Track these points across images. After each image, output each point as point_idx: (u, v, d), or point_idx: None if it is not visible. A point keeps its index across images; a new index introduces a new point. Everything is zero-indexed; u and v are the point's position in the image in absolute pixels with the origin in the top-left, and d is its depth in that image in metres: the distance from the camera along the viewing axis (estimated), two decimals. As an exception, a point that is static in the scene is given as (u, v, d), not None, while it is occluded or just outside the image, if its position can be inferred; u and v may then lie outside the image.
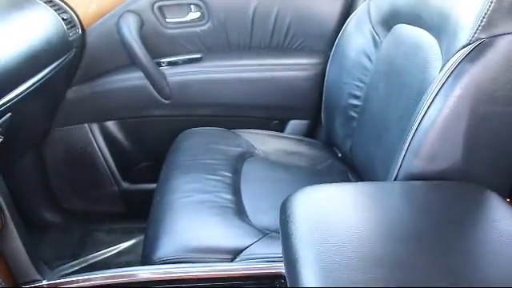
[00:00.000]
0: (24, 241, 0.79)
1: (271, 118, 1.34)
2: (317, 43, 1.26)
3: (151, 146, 1.37)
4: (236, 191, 0.99)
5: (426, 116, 0.70)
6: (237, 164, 1.09)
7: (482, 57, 0.67)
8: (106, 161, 1.37)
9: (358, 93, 1.09)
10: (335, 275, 0.47)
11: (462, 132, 0.69)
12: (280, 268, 0.73)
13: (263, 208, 0.94)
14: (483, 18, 0.67)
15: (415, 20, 0.91)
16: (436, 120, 0.69)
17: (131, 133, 1.37)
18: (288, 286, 0.52)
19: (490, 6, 0.66)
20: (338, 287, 0.45)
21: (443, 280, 0.48)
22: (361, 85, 1.08)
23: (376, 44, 1.06)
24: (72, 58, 1.19)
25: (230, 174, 1.04)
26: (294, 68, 1.28)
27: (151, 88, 1.28)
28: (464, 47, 0.69)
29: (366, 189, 0.69)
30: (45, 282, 0.78)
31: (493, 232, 0.58)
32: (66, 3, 1.17)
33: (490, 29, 0.67)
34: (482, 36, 0.68)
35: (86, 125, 1.34)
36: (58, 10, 1.13)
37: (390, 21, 1.02)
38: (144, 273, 0.72)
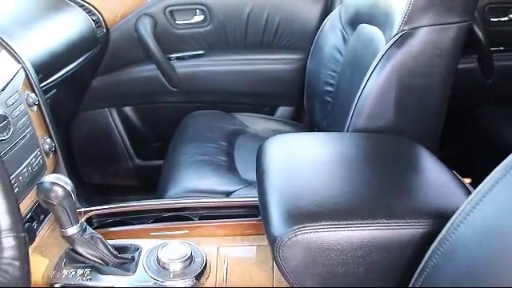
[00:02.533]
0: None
1: (262, 105, 1.62)
2: (300, 41, 1.54)
3: (161, 128, 1.63)
4: (230, 155, 1.27)
5: (366, 87, 0.97)
6: (231, 137, 1.37)
7: (405, 43, 0.94)
8: (122, 140, 1.65)
9: (331, 81, 1.36)
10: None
11: (392, 98, 0.96)
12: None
13: (250, 168, 1.21)
14: (405, 14, 0.94)
15: (371, 20, 1.18)
16: (372, 89, 0.96)
17: (144, 116, 1.65)
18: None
19: (409, 6, 0.93)
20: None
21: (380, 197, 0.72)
22: (333, 74, 1.35)
23: (345, 40, 1.33)
24: (98, 52, 1.48)
25: (225, 144, 1.31)
26: (281, 62, 1.57)
27: (162, 78, 1.56)
28: (394, 37, 0.96)
29: (323, 136, 0.96)
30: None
31: (408, 164, 0.85)
32: (94, 7, 1.45)
33: (410, 23, 0.94)
34: (406, 28, 0.95)
35: (106, 109, 1.62)
36: (89, 12, 1.42)
37: (355, 22, 1.29)
38: (158, 203, 0.99)
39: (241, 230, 0.89)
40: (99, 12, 1.46)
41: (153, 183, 1.32)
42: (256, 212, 0.94)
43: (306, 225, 0.64)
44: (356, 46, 1.25)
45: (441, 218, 0.64)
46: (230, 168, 1.20)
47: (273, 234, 0.66)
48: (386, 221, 0.66)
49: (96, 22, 1.43)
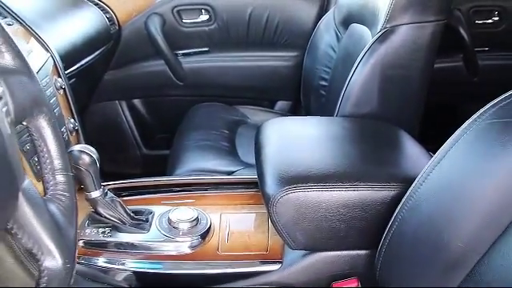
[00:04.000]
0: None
1: (262, 99, 1.75)
2: (297, 40, 1.67)
3: (167, 120, 1.76)
4: (231, 142, 1.40)
5: (353, 78, 1.11)
6: (233, 127, 1.50)
7: (387, 39, 1.08)
8: (131, 131, 1.78)
9: (325, 76, 1.49)
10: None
11: (375, 87, 1.09)
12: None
13: (250, 152, 1.34)
14: (388, 13, 1.07)
15: (361, 19, 1.32)
16: (358, 80, 1.09)
17: (152, 109, 1.79)
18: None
19: (391, 6, 1.07)
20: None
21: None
22: (327, 70, 1.49)
23: (338, 39, 1.47)
24: (110, 48, 1.61)
25: (227, 132, 1.45)
26: (279, 59, 1.70)
27: (169, 72, 1.70)
28: (377, 33, 1.10)
29: (314, 120, 1.10)
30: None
31: (386, 142, 0.98)
32: (108, 6, 1.59)
33: (392, 21, 1.07)
34: (388, 26, 1.08)
35: (116, 101, 1.76)
36: (103, 10, 1.56)
37: (347, 22, 1.42)
38: (167, 179, 1.12)
39: (240, 200, 1.02)
40: (112, 10, 1.60)
41: (158, 171, 1.43)
42: (253, 187, 1.07)
43: (295, 185, 0.78)
44: (348, 44, 1.39)
45: (408, 181, 0.77)
46: (231, 152, 1.33)
47: (268, 193, 0.79)
48: (363, 184, 0.80)
49: (110, 19, 1.57)
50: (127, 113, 1.77)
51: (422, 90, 1.13)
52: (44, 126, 0.56)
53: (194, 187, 1.09)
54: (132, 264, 0.87)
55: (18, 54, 0.55)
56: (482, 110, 0.70)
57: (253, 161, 1.29)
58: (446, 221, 0.69)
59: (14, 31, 1.01)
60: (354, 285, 0.82)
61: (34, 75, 0.57)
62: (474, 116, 0.71)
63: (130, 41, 1.67)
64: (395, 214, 0.75)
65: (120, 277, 0.88)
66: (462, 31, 1.70)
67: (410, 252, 0.75)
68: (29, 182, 0.51)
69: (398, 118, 1.12)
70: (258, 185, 1.07)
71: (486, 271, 0.63)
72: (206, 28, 1.69)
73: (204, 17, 1.68)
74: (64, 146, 0.59)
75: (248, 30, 1.69)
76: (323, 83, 1.49)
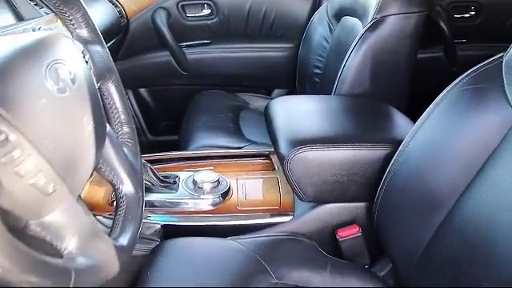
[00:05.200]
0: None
1: (260, 87, 1.91)
2: (293, 32, 1.84)
3: (171, 108, 1.90)
4: (236, 123, 1.56)
5: (347, 62, 1.27)
6: (236, 111, 1.66)
7: (377, 28, 1.25)
8: (137, 118, 1.92)
9: (319, 64, 1.66)
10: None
11: (367, 70, 1.26)
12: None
13: (253, 132, 1.51)
14: (378, 5, 1.25)
15: (353, 12, 1.49)
16: (352, 64, 1.26)
17: (157, 97, 1.93)
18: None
19: (380, -1, 1.25)
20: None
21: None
22: (321, 59, 1.66)
23: (331, 31, 1.64)
24: (119, 40, 1.76)
25: (231, 115, 1.61)
26: (276, 50, 1.86)
27: (174, 63, 1.84)
28: (368, 23, 1.27)
29: (315, 97, 1.26)
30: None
31: (378, 114, 1.15)
32: (118, 1, 1.74)
33: (381, 12, 1.25)
34: (377, 16, 1.25)
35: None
36: (114, 5, 1.70)
37: (339, 15, 1.59)
38: (184, 152, 1.27)
39: (253, 167, 1.18)
40: (121, 5, 1.74)
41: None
42: (262, 158, 1.23)
43: (305, 146, 0.94)
44: (340, 35, 1.56)
45: (398, 142, 0.93)
46: (237, 131, 1.49)
47: (282, 154, 0.95)
48: (361, 144, 0.96)
49: (119, 13, 1.71)
50: (133, 101, 1.91)
51: (408, 72, 1.31)
52: (113, 88, 0.72)
53: (211, 159, 1.24)
54: (162, 218, 1.03)
55: (93, 27, 0.70)
56: (457, 80, 0.88)
57: (257, 139, 1.46)
58: (429, 171, 0.86)
59: (50, 20, 1.14)
60: (356, 230, 0.99)
61: (105, 46, 0.72)
62: (451, 85, 0.88)
63: (137, 33, 1.81)
64: (388, 169, 0.92)
65: (150, 230, 1.03)
66: (442, 24, 1.88)
67: (400, 200, 0.92)
68: (109, 127, 0.67)
69: (388, 97, 1.29)
70: (265, 157, 1.24)
71: (459, 213, 0.79)
72: (208, 21, 1.84)
73: (206, 11, 1.83)
74: (128, 105, 0.74)
75: (247, 24, 1.85)
76: (317, 71, 1.66)
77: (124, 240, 0.58)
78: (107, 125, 0.67)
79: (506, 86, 0.80)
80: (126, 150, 0.70)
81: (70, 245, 0.47)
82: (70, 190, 0.48)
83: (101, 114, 0.62)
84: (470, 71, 0.87)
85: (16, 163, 0.42)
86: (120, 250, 0.55)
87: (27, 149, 0.43)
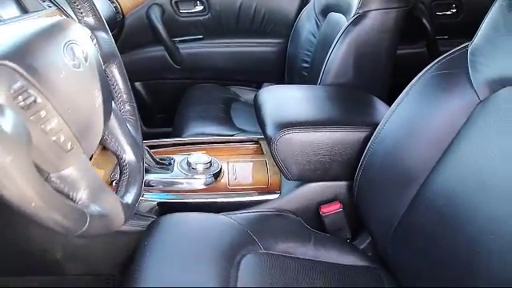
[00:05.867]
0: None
1: (251, 81, 2.00)
2: (281, 28, 1.94)
3: (165, 101, 2.00)
4: (227, 113, 1.65)
5: (332, 54, 1.37)
6: (228, 102, 1.75)
7: (360, 22, 1.35)
8: (132, 111, 2.01)
9: (307, 59, 1.76)
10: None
11: (351, 62, 1.36)
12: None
13: (244, 122, 1.60)
14: (360, 0, 1.35)
15: (337, 8, 1.58)
16: (336, 56, 1.36)
17: (152, 91, 2.02)
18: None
19: (362, -5, 1.34)
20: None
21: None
22: (309, 53, 1.75)
23: (318, 26, 1.73)
24: (115, 35, 1.84)
25: (223, 106, 1.70)
26: (266, 45, 1.96)
27: (168, 57, 1.94)
28: (351, 18, 1.37)
29: (301, 87, 1.35)
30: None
31: (360, 101, 1.25)
32: (114, -3, 1.83)
33: (363, 7, 1.35)
34: (360, 11, 1.35)
35: (119, 84, 1.98)
36: (110, 1, 1.79)
37: (325, 11, 1.69)
38: (179, 139, 1.35)
39: (242, 151, 1.27)
40: (117, 1, 1.83)
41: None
42: (252, 143, 1.33)
43: (290, 128, 1.03)
44: (326, 30, 1.65)
45: (376, 125, 1.03)
46: (228, 121, 1.58)
47: (269, 136, 1.05)
48: (342, 127, 1.06)
49: (115, 9, 1.80)
50: (129, 94, 1.99)
51: (389, 64, 1.41)
52: (117, 71, 0.81)
53: (203, 144, 1.33)
54: (158, 196, 1.11)
55: (99, 16, 0.79)
56: (428, 66, 0.97)
57: (247, 128, 1.55)
58: (403, 150, 0.95)
59: (53, 12, 1.23)
60: (337, 206, 1.08)
61: (110, 33, 0.81)
62: (423, 71, 0.97)
63: (132, 29, 1.90)
64: (366, 149, 1.01)
65: (147, 208, 1.12)
66: (424, 21, 1.99)
67: (377, 177, 1.01)
68: (114, 105, 0.76)
69: (370, 87, 1.39)
70: (255, 142, 1.33)
71: (430, 187, 0.87)
72: (201, 17, 1.94)
73: (199, 7, 1.93)
74: (129, 86, 0.83)
75: (238, 20, 1.95)
76: (305, 65, 1.75)
77: (128, 199, 0.67)
78: (113, 103, 0.75)
79: (470, 72, 0.89)
80: (128, 125, 0.79)
81: (83, 195, 0.55)
82: (83, 149, 0.57)
83: (108, 90, 0.70)
84: (439, 58, 0.96)
85: (42, 121, 0.50)
86: (125, 206, 0.63)
87: (51, 111, 0.52)
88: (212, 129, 1.49)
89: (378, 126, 1.00)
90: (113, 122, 0.73)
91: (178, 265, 0.89)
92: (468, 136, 0.85)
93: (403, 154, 0.95)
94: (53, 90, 0.52)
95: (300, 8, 1.89)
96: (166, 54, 1.93)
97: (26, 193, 0.43)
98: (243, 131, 1.51)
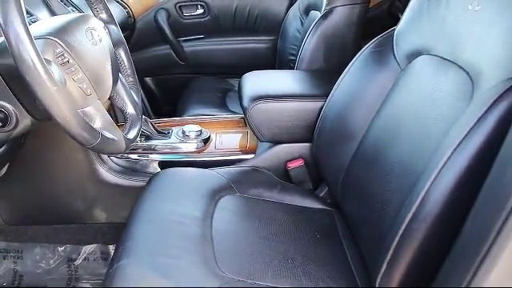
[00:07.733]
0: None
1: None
2: (272, 26, 2.24)
3: (172, 93, 2.31)
4: (222, 100, 1.98)
5: (305, 45, 1.68)
6: (224, 91, 2.07)
7: (328, 17, 1.65)
8: (143, 103, 2.34)
9: (294, 52, 2.05)
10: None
11: (321, 51, 1.66)
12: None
13: (236, 107, 1.91)
14: (328, -3, 1.66)
15: (316, 7, 1.86)
16: (309, 46, 1.66)
17: (160, 84, 2.35)
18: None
19: (330, -7, 1.65)
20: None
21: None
22: (295, 47, 2.04)
23: (302, 24, 2.03)
24: (127, 36, 2.18)
25: (220, 94, 2.02)
26: (259, 42, 2.28)
27: (173, 55, 2.27)
28: (321, 12, 1.67)
29: (279, 71, 1.67)
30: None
31: (326, 80, 1.55)
32: (126, 4, 2.17)
33: (330, 3, 1.65)
34: (327, 7, 1.65)
35: (131, 80, 2.33)
36: (123, 6, 2.13)
37: (308, 10, 1.97)
38: (178, 118, 1.68)
39: (231, 124, 1.58)
40: (129, 7, 2.18)
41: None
42: (239, 119, 1.63)
43: (261, 99, 1.34)
44: (307, 26, 1.95)
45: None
46: (223, 105, 1.91)
47: (244, 106, 1.36)
48: (303, 98, 1.36)
49: (127, 13, 2.14)
50: (140, 89, 2.32)
51: (354, 53, 1.70)
52: (123, 53, 1.13)
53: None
54: (159, 157, 1.44)
55: (110, 13, 1.11)
56: (367, 45, 1.26)
57: (237, 110, 1.86)
58: (347, 113, 1.24)
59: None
60: (300, 162, 1.38)
61: (118, 26, 1.14)
62: (363, 48, 1.26)
63: (142, 30, 2.25)
64: (320, 115, 1.31)
65: (150, 167, 1.44)
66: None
67: (329, 137, 1.30)
68: (121, 76, 1.08)
69: (338, 71, 1.69)
70: (240, 118, 1.64)
71: (366, 141, 1.14)
72: (202, 19, 2.28)
73: (200, 11, 2.27)
74: (133, 64, 1.16)
75: (234, 20, 2.28)
76: (292, 58, 2.04)
77: (129, 135, 0.99)
78: (120, 74, 1.08)
79: (394, 49, 1.19)
80: (131, 90, 1.11)
81: (98, 124, 0.87)
82: (99, 96, 0.90)
83: (116, 63, 1.03)
84: (375, 39, 1.25)
85: (72, 74, 0.83)
86: (127, 139, 0.95)
87: (77, 68, 0.84)
88: (208, 110, 1.81)
89: (330, 95, 1.30)
90: (119, 86, 1.06)
91: (170, 200, 1.19)
92: (392, 97, 1.12)
93: (347, 117, 1.23)
94: (79, 56, 0.85)
95: (288, 8, 2.21)
96: (172, 52, 2.26)
97: (63, 110, 0.75)
98: (235, 113, 1.82)
